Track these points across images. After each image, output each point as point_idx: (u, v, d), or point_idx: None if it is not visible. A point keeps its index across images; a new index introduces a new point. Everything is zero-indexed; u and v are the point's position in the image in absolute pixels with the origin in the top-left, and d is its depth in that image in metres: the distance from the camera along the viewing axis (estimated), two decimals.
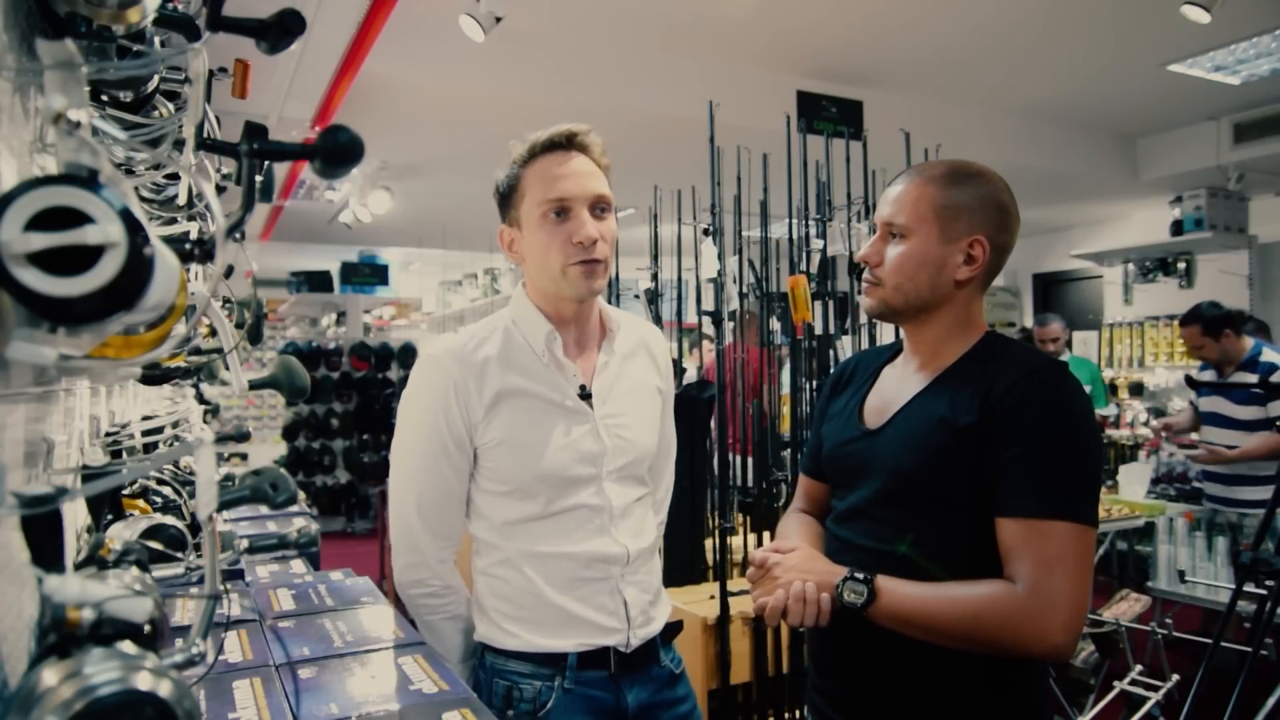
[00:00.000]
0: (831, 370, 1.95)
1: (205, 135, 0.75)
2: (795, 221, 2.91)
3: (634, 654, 1.34)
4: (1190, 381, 3.77)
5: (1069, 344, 5.07)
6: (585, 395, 1.36)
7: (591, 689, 1.30)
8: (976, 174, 1.22)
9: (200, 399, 1.52)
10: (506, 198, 1.34)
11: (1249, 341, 3.74)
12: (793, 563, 1.20)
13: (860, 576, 1.13)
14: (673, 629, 1.46)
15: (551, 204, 1.28)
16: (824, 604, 1.14)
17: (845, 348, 2.92)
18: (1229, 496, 3.72)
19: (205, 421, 1.48)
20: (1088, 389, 3.87)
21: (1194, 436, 4.05)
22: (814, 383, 2.82)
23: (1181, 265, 6.08)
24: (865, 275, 1.26)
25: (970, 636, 1.09)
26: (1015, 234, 1.23)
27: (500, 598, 1.33)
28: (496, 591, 1.34)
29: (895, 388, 1.27)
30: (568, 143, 1.31)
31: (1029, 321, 7.53)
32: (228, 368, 1.06)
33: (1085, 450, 1.12)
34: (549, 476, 1.30)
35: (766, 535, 2.65)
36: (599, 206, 1.31)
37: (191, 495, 1.09)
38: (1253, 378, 3.58)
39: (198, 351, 1.04)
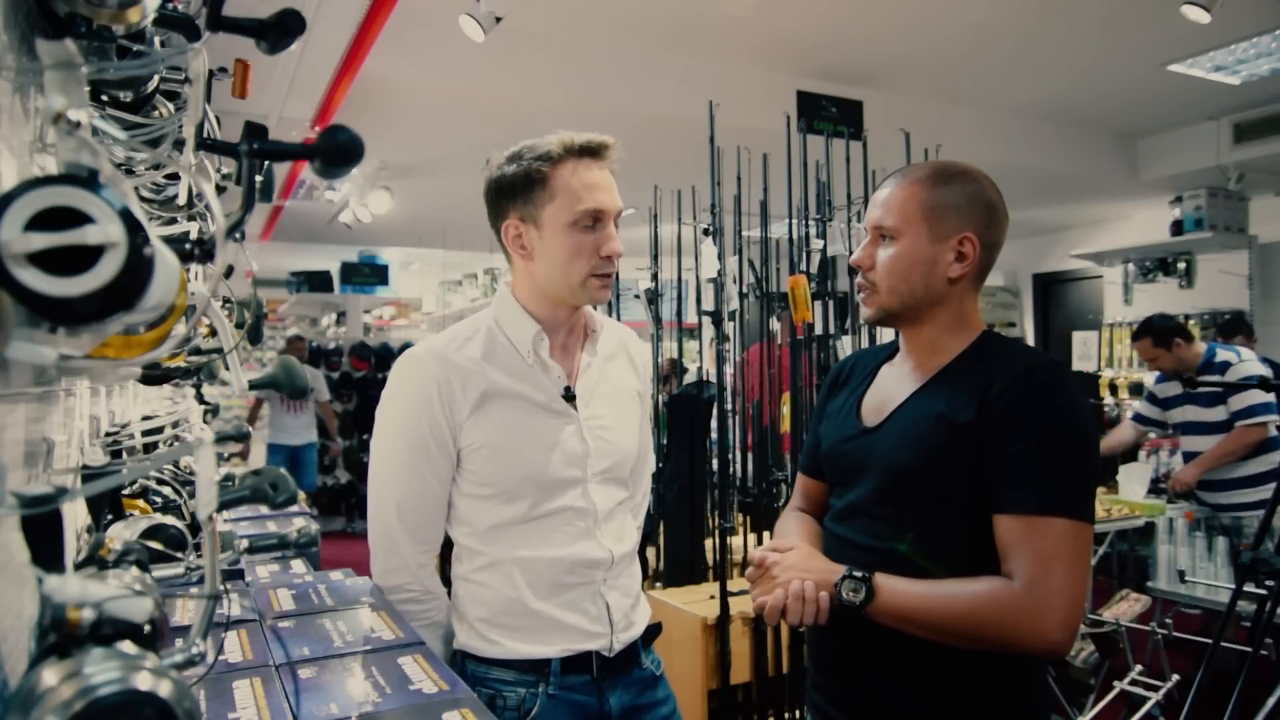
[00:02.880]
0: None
1: (205, 135, 0.75)
2: (795, 221, 2.91)
3: (616, 657, 1.34)
4: (1190, 382, 3.78)
5: None
6: (569, 397, 1.35)
7: (575, 694, 1.30)
8: (962, 173, 1.23)
9: (200, 398, 1.52)
10: (524, 191, 1.29)
11: (1201, 346, 3.81)
12: (791, 561, 1.20)
13: (859, 575, 1.14)
14: (653, 631, 1.45)
15: (588, 213, 1.27)
16: (823, 603, 1.14)
17: (845, 347, 2.92)
18: (1221, 501, 3.75)
19: (206, 421, 1.48)
20: None
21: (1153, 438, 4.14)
22: (814, 382, 2.82)
23: (1181, 265, 6.07)
24: (859, 280, 1.27)
25: (968, 633, 1.10)
26: (1004, 231, 1.24)
27: (482, 604, 1.32)
28: (478, 598, 1.32)
29: (893, 386, 1.28)
30: (602, 150, 1.31)
31: (1029, 321, 7.53)
32: (228, 368, 1.06)
33: (1082, 448, 1.12)
34: (535, 478, 1.29)
35: (766, 535, 2.65)
36: (616, 220, 1.33)
37: (191, 495, 1.09)
38: (1213, 380, 3.65)
39: (198, 351, 1.04)
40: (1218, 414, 3.70)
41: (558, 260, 1.30)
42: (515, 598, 1.30)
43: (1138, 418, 4.15)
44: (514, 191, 1.31)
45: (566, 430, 1.33)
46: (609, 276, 1.32)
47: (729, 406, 2.91)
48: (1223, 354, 3.72)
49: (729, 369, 3.04)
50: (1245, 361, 3.67)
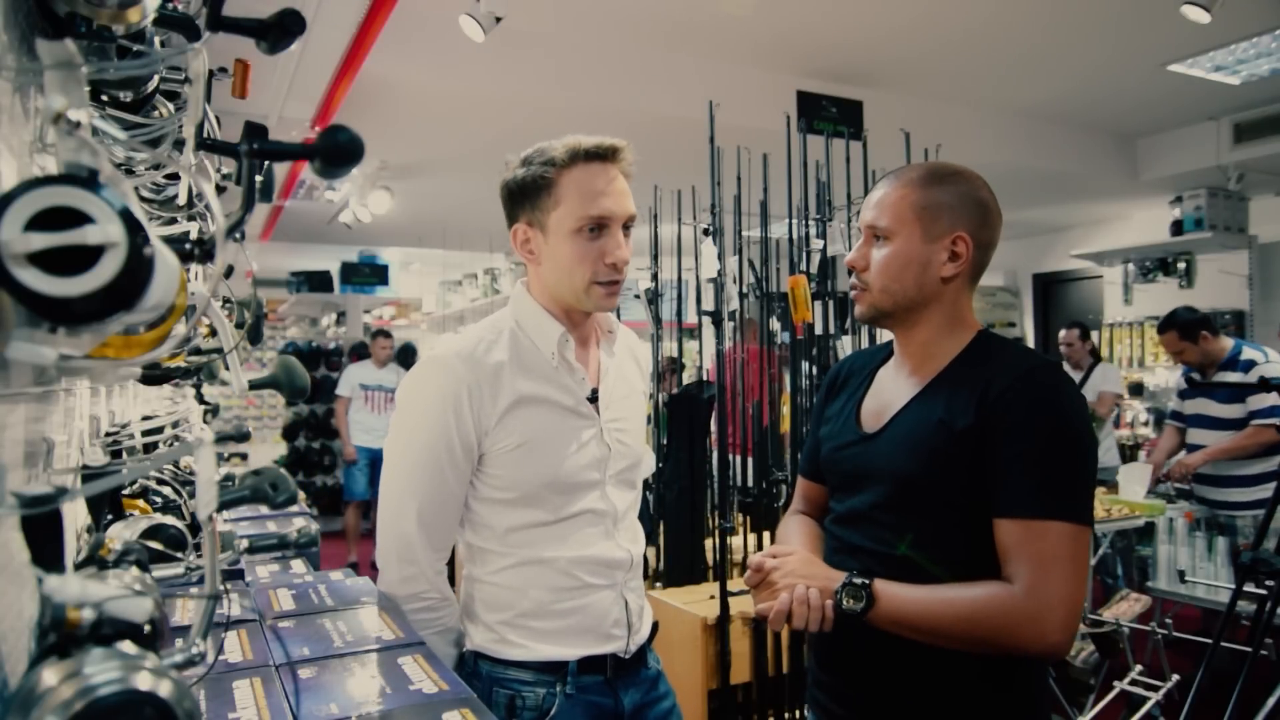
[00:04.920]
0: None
1: (205, 135, 0.75)
2: (795, 221, 2.90)
3: (629, 658, 1.35)
4: (1191, 381, 3.78)
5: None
6: (593, 399, 1.35)
7: (590, 694, 1.30)
8: (955, 173, 1.23)
9: (200, 399, 1.52)
10: (531, 196, 1.28)
11: (1228, 341, 3.79)
12: (791, 567, 1.20)
13: (859, 582, 1.14)
14: (653, 630, 1.47)
15: (592, 219, 1.25)
16: (828, 610, 1.14)
17: (845, 347, 2.92)
18: (1216, 498, 3.75)
19: (206, 421, 1.48)
20: None
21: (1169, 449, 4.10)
22: (814, 382, 2.82)
23: (1181, 265, 6.07)
24: (852, 281, 1.27)
25: (968, 638, 1.10)
26: (998, 230, 1.24)
27: (501, 606, 1.31)
28: (497, 600, 1.31)
29: (891, 391, 1.28)
30: (611, 155, 1.28)
31: (1029, 321, 7.52)
32: (228, 368, 1.06)
33: (1081, 451, 1.13)
34: (558, 482, 1.29)
35: (766, 535, 2.65)
36: (627, 225, 1.30)
37: (191, 495, 1.09)
38: (1235, 376, 3.63)
39: (198, 351, 1.04)
40: (1233, 411, 3.68)
41: (561, 266, 1.28)
42: (537, 599, 1.29)
43: (1175, 415, 4.10)
44: (523, 196, 1.30)
45: (589, 433, 1.33)
46: (616, 284, 1.29)
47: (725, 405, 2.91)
48: (1249, 352, 3.71)
49: (711, 364, 3.03)
50: (1271, 363, 3.64)
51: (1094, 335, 6.49)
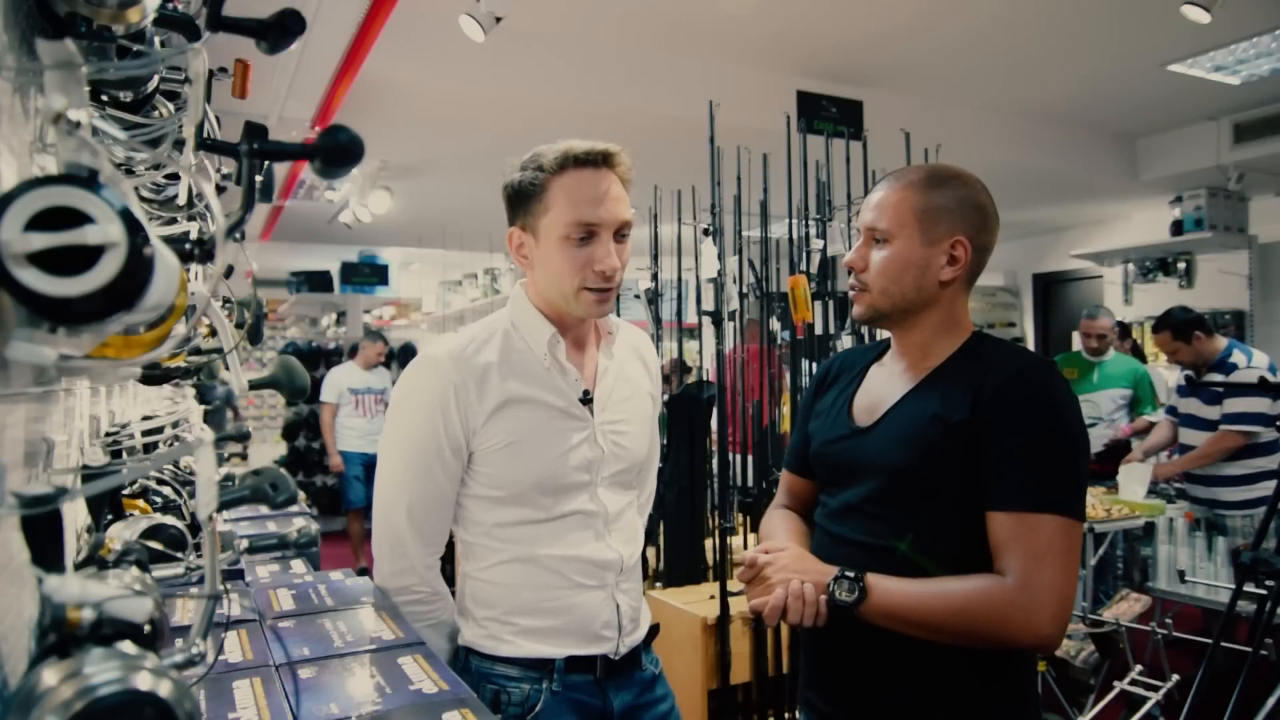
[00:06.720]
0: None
1: (205, 135, 0.75)
2: (795, 221, 2.91)
3: (620, 660, 1.34)
4: (1191, 381, 3.78)
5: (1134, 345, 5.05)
6: (586, 400, 1.35)
7: (578, 693, 1.30)
8: (954, 176, 1.24)
9: (202, 399, 1.52)
10: (524, 201, 1.28)
11: (1222, 342, 3.80)
12: (784, 562, 1.21)
13: (851, 575, 1.15)
14: (652, 632, 1.46)
15: (579, 227, 1.24)
16: (822, 605, 1.15)
17: (845, 347, 2.92)
18: (1208, 498, 3.76)
19: (206, 421, 1.48)
20: (1128, 393, 3.88)
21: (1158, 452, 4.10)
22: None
23: (1181, 265, 6.07)
24: (851, 281, 1.28)
25: (961, 630, 1.11)
26: (995, 234, 1.26)
27: (491, 602, 1.32)
28: (486, 596, 1.32)
29: (884, 386, 1.29)
30: (603, 161, 1.26)
31: (1029, 321, 7.52)
32: (228, 368, 1.06)
33: (1073, 446, 1.14)
34: (544, 483, 1.29)
35: None
36: (621, 232, 1.29)
37: (191, 495, 1.09)
38: (1220, 378, 3.66)
39: (198, 351, 1.04)
40: (1215, 413, 3.71)
41: (551, 272, 1.29)
42: (525, 597, 1.30)
43: (1170, 410, 4.10)
44: (517, 199, 1.30)
45: (580, 435, 1.32)
46: (606, 292, 1.28)
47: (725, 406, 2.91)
48: (1236, 354, 3.73)
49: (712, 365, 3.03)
50: (1253, 367, 3.65)
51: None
